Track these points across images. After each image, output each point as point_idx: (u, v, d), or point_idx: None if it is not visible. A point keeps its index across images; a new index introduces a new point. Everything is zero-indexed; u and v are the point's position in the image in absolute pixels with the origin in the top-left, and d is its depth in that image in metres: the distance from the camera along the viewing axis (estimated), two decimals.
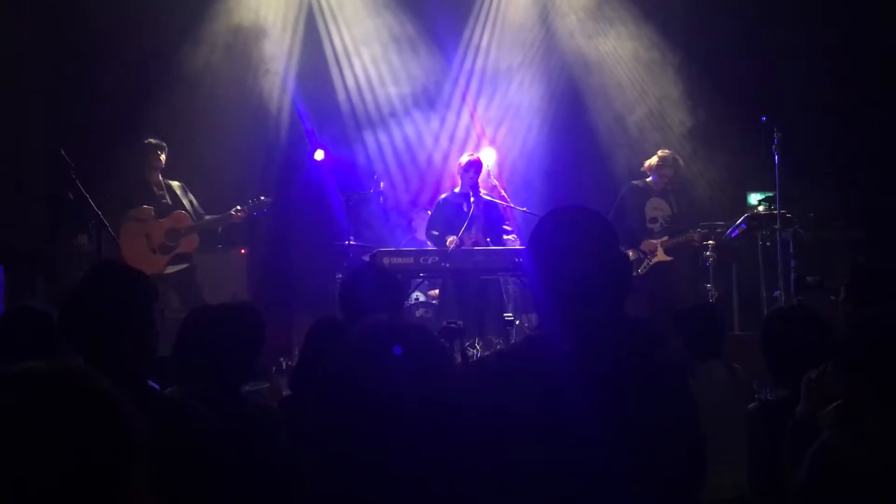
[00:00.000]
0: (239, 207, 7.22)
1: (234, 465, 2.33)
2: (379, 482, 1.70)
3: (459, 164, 7.59)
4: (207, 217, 7.30)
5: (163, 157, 7.25)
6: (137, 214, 7.00)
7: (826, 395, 2.42)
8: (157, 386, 3.34)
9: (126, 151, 7.94)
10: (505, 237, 7.42)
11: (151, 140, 7.28)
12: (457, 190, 7.58)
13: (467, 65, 9.44)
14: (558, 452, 1.78)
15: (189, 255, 7.19)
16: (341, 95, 9.32)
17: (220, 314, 2.95)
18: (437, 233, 7.42)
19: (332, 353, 1.87)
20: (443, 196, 7.72)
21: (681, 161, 7.74)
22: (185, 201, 7.26)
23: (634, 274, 6.69)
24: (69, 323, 2.23)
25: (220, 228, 7.35)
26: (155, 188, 7.21)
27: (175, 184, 7.33)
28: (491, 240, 7.35)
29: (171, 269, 7.07)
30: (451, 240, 7.18)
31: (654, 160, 7.62)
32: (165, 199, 7.18)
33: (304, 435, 2.63)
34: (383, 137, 9.34)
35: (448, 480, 1.75)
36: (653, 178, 7.62)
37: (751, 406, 3.12)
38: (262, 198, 7.31)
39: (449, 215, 7.38)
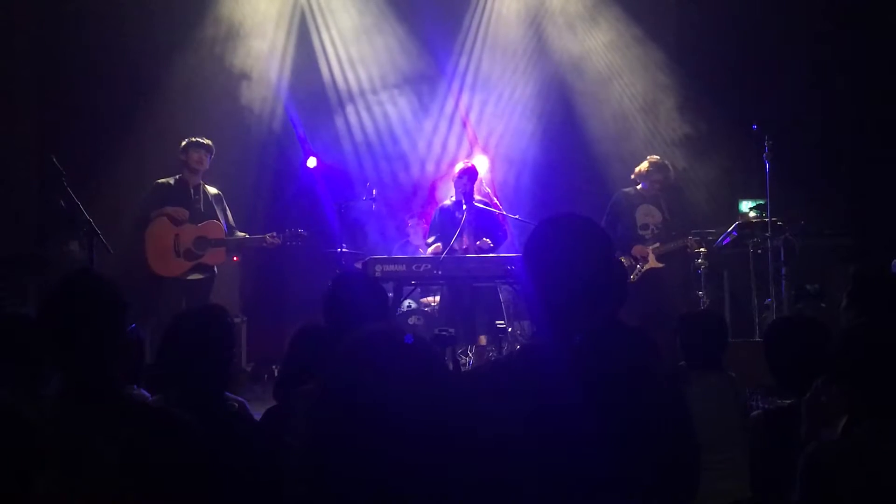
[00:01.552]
0: (275, 234, 7.00)
1: (211, 471, 2.31)
2: (375, 493, 1.70)
3: (453, 172, 7.62)
4: (240, 234, 7.05)
5: (205, 159, 6.92)
6: (174, 213, 6.75)
7: (826, 411, 2.44)
8: (147, 393, 3.35)
9: (116, 158, 7.95)
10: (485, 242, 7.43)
11: (194, 139, 6.94)
12: (453, 197, 7.59)
13: (459, 72, 9.47)
14: (554, 461, 1.78)
15: (211, 267, 6.94)
16: (333, 102, 9.33)
17: (192, 320, 2.95)
18: (432, 239, 7.46)
19: (326, 362, 1.86)
20: (441, 204, 7.75)
21: (671, 167, 7.76)
22: (217, 211, 6.98)
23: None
24: (42, 331, 2.22)
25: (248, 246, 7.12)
26: (192, 191, 6.92)
27: (213, 191, 7.04)
28: (482, 247, 7.37)
29: (193, 277, 6.81)
30: (433, 247, 7.23)
31: (644, 166, 7.64)
32: (199, 204, 6.90)
33: (295, 445, 2.62)
34: (375, 144, 9.35)
35: (445, 490, 1.75)
36: (643, 185, 7.63)
37: (754, 414, 3.14)
38: (301, 231, 7.09)
39: (444, 223, 7.40)
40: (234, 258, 8.22)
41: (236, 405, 3.30)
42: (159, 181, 6.94)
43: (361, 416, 1.72)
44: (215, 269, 7.00)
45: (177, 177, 6.93)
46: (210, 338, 2.85)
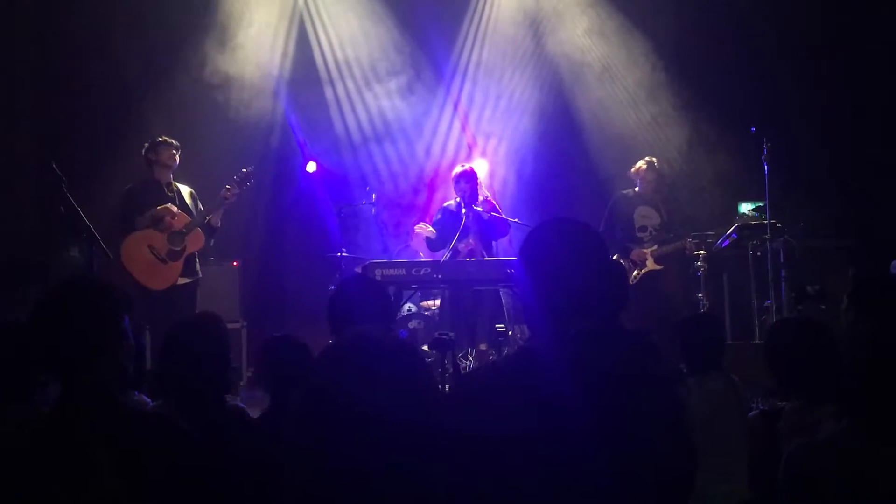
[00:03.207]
0: (228, 186, 6.74)
1: (210, 477, 2.31)
2: (361, 495, 1.70)
3: (452, 175, 7.62)
4: (203, 210, 6.82)
5: (177, 156, 6.79)
6: (155, 215, 6.53)
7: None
8: (148, 399, 3.35)
9: (116, 164, 7.95)
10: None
11: (165, 138, 6.82)
12: (457, 199, 7.59)
13: (458, 76, 9.49)
14: (551, 464, 1.78)
15: (195, 270, 6.79)
16: (332, 109, 9.35)
17: (189, 327, 2.96)
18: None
19: (308, 367, 1.86)
20: (445, 204, 7.73)
21: (664, 167, 7.79)
22: (192, 209, 6.82)
23: None
24: (37, 337, 2.21)
25: (217, 221, 6.81)
26: (166, 188, 6.74)
27: (185, 190, 6.90)
28: (486, 251, 7.37)
29: (183, 281, 6.66)
30: (421, 226, 7.21)
31: (638, 165, 7.67)
32: (175, 201, 6.72)
33: (283, 453, 2.63)
34: (375, 150, 9.37)
35: (436, 494, 1.75)
36: (639, 186, 7.65)
37: (752, 414, 3.14)
38: (244, 169, 6.87)
39: (445, 224, 7.40)
40: (235, 263, 8.22)
41: (240, 407, 3.31)
42: (130, 186, 6.77)
43: (344, 417, 1.72)
44: (199, 272, 6.88)
45: (144, 179, 6.78)
46: (207, 345, 2.87)
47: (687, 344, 3.64)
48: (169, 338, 2.96)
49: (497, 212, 7.56)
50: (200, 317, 3.14)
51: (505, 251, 7.65)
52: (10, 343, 2.77)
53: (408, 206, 9.31)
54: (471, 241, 7.25)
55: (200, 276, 6.87)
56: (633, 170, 7.71)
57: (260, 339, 7.97)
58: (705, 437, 3.03)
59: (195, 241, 6.73)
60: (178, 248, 6.64)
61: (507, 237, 7.60)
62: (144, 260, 6.52)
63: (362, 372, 1.74)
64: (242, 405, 3.24)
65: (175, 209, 6.64)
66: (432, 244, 7.36)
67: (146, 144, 6.84)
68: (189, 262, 6.72)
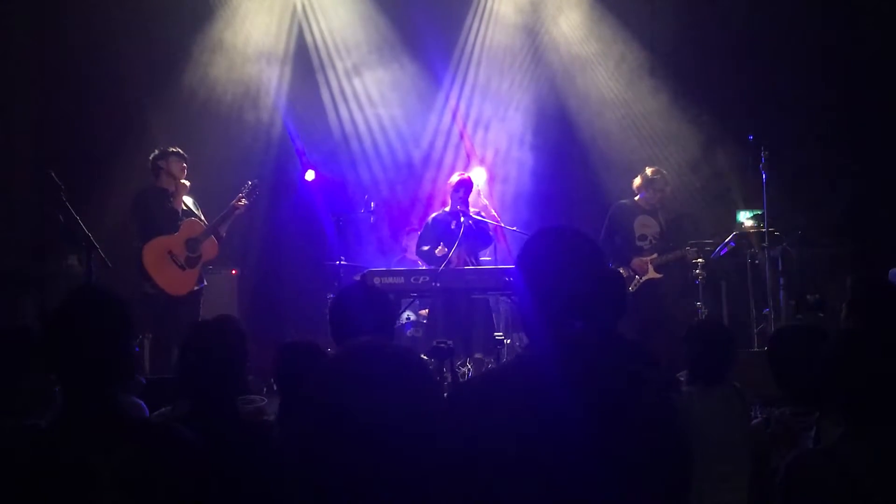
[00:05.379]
0: (240, 196, 6.85)
1: (220, 484, 2.31)
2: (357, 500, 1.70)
3: (449, 183, 7.61)
4: (214, 220, 6.86)
5: (185, 170, 6.79)
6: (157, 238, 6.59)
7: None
8: (145, 406, 3.35)
9: (114, 172, 7.95)
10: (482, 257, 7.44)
11: (177, 149, 6.81)
12: (447, 209, 7.58)
13: (457, 84, 9.51)
14: (548, 471, 1.79)
15: (202, 277, 6.81)
16: (331, 116, 9.36)
17: (204, 330, 2.97)
18: (427, 247, 7.39)
19: (312, 376, 1.86)
20: (433, 215, 7.73)
21: (668, 178, 7.78)
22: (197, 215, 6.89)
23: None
24: (47, 344, 2.21)
25: (224, 231, 6.88)
26: (171, 198, 6.75)
27: (189, 200, 6.90)
28: (475, 260, 7.37)
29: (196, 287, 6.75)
30: (440, 248, 7.23)
31: (643, 178, 7.64)
32: (180, 211, 6.75)
33: (290, 459, 2.62)
34: (373, 159, 9.38)
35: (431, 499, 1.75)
36: (641, 196, 7.63)
37: (755, 422, 3.13)
38: (250, 182, 6.99)
39: (438, 234, 7.38)
40: (233, 271, 8.22)
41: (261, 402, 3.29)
42: (141, 191, 6.76)
43: (347, 426, 1.72)
44: (205, 280, 6.91)
45: (150, 185, 6.77)
46: (227, 346, 2.88)
47: (692, 353, 3.57)
48: (187, 343, 2.94)
49: (495, 220, 7.56)
50: (221, 319, 3.14)
51: (503, 259, 7.65)
52: (20, 349, 2.78)
53: (406, 215, 9.32)
54: (462, 252, 7.24)
55: (205, 284, 6.90)
56: (637, 180, 7.63)
57: (258, 346, 8.01)
58: (709, 447, 3.03)
59: (210, 249, 6.79)
60: (195, 255, 6.69)
61: (503, 246, 7.60)
62: (166, 266, 6.55)
63: (365, 382, 1.74)
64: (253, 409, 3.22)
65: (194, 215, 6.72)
66: (432, 260, 7.34)
67: (156, 151, 6.82)
68: (205, 261, 6.77)
